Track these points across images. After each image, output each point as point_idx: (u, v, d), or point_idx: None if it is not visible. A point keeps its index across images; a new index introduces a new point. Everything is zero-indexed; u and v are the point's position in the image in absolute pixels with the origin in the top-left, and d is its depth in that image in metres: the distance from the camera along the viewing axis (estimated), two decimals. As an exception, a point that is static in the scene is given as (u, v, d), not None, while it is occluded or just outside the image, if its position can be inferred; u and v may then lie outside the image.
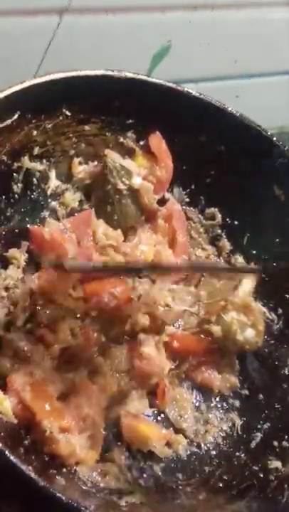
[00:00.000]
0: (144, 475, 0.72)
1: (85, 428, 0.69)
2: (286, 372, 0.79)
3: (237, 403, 0.80)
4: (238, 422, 0.78)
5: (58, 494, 0.56)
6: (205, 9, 1.02)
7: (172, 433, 0.75)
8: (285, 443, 0.73)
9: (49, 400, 0.68)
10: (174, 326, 0.80)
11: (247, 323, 0.78)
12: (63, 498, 0.56)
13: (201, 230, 0.87)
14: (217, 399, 0.80)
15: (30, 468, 0.57)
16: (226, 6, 1.04)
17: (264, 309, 0.82)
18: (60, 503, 0.56)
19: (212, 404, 0.80)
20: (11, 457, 0.57)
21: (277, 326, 0.83)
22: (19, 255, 0.76)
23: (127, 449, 0.72)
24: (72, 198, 0.83)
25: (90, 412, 0.69)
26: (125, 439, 0.72)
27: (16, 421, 0.65)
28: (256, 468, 0.72)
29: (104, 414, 0.72)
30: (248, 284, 0.81)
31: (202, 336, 0.80)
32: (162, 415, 0.78)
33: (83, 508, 0.57)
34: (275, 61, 1.16)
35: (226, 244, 0.86)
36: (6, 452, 0.57)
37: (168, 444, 0.74)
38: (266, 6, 1.08)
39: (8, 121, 0.73)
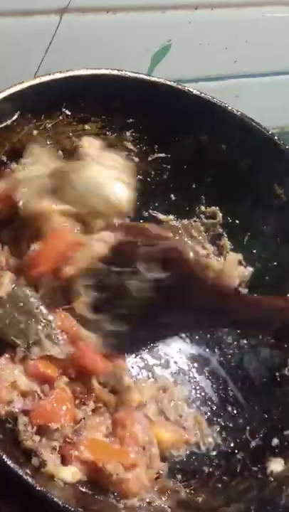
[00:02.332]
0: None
1: (144, 454, 0.69)
2: (286, 372, 0.79)
3: (237, 403, 0.80)
4: (238, 423, 0.78)
5: (55, 499, 0.56)
6: (205, 9, 1.02)
7: (184, 433, 0.75)
8: (284, 444, 0.73)
9: (104, 446, 0.68)
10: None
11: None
12: (60, 502, 0.56)
13: (202, 228, 0.87)
14: (217, 399, 0.80)
15: (27, 471, 0.57)
16: (226, 5, 1.04)
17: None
18: (57, 507, 0.56)
19: (212, 404, 0.80)
20: (8, 462, 0.57)
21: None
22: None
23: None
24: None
25: (146, 436, 0.70)
26: None
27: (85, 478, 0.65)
28: (255, 469, 0.71)
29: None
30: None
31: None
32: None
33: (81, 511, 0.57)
34: (275, 61, 1.16)
35: (227, 243, 0.86)
36: (4, 457, 0.57)
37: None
38: (266, 6, 1.08)
39: (8, 122, 0.73)
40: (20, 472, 0.56)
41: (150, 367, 0.82)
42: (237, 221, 0.85)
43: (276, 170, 0.82)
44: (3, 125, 0.73)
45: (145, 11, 0.97)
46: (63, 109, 0.78)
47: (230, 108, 0.81)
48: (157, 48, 1.01)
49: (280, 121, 1.22)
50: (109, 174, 0.72)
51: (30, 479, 0.56)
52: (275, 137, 0.82)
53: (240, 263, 0.84)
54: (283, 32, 1.11)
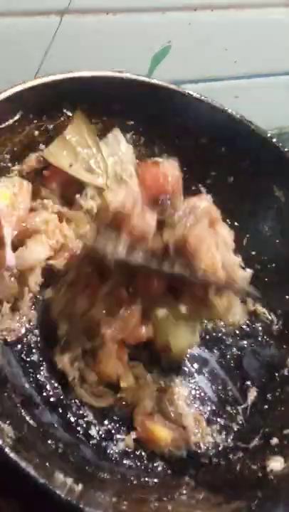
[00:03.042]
0: (146, 473, 0.72)
1: None
2: (285, 372, 0.80)
3: (236, 403, 0.80)
4: (238, 422, 0.79)
5: (58, 492, 0.57)
6: (205, 10, 1.02)
7: (183, 432, 0.76)
8: (284, 443, 0.73)
9: None
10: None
11: None
12: (62, 495, 0.57)
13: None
14: (216, 399, 0.80)
15: (29, 465, 0.57)
16: (226, 6, 1.03)
17: (264, 310, 0.83)
18: (59, 500, 0.57)
19: (211, 404, 0.80)
20: (11, 454, 0.57)
21: (277, 326, 0.83)
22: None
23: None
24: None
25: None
26: (139, 437, 0.74)
27: None
28: (255, 467, 0.72)
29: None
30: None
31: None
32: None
33: (81, 506, 0.57)
34: (274, 62, 1.16)
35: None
36: (6, 449, 0.57)
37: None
38: (265, 7, 1.08)
39: (10, 121, 0.73)
40: (23, 465, 0.57)
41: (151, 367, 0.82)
42: (236, 223, 0.86)
43: (275, 172, 0.82)
44: (4, 125, 0.73)
45: (145, 12, 0.97)
46: (64, 110, 0.78)
47: (229, 111, 0.82)
48: (157, 49, 1.01)
49: (280, 121, 1.22)
50: None
51: (32, 472, 0.57)
52: (274, 139, 0.82)
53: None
54: (283, 33, 1.11)
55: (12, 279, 0.72)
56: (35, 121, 0.77)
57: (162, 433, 0.74)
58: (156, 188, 0.77)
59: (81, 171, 0.79)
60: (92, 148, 0.80)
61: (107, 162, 0.80)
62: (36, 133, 0.77)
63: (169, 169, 0.78)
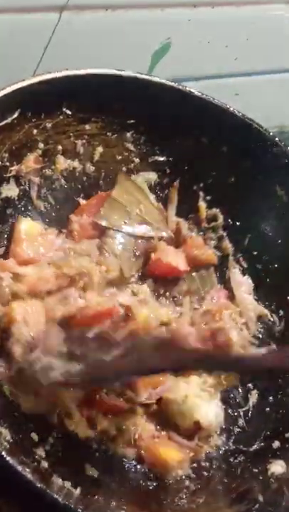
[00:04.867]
0: (145, 476, 0.72)
1: None
2: (287, 375, 0.79)
3: (238, 406, 0.80)
4: (239, 425, 0.78)
5: (55, 496, 0.57)
6: (205, 6, 1.01)
7: (190, 453, 0.75)
8: (285, 446, 0.73)
9: None
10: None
11: None
12: (60, 499, 0.57)
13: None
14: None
15: (27, 469, 0.57)
16: (226, 3, 1.03)
17: (266, 311, 0.82)
18: (57, 505, 0.56)
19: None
20: (8, 458, 0.57)
21: (279, 327, 0.83)
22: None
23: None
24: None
25: None
26: (145, 460, 0.73)
27: None
28: (256, 471, 0.71)
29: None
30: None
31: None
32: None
33: (80, 510, 0.57)
34: (275, 59, 1.16)
35: (228, 245, 0.86)
36: (3, 453, 0.57)
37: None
38: (266, 4, 1.08)
39: (9, 119, 0.73)
40: (20, 469, 0.56)
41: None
42: (238, 223, 0.85)
43: (277, 171, 0.82)
44: (3, 123, 0.72)
45: (144, 8, 0.96)
46: (64, 109, 0.78)
47: (231, 109, 0.81)
48: (157, 46, 1.01)
49: (280, 119, 1.22)
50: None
51: (30, 476, 0.57)
52: (276, 138, 0.81)
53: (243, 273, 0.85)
54: (284, 30, 1.11)
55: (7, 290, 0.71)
56: (33, 120, 0.76)
57: (170, 454, 0.73)
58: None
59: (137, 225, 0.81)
60: (142, 203, 0.82)
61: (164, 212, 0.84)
62: (35, 131, 0.77)
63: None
